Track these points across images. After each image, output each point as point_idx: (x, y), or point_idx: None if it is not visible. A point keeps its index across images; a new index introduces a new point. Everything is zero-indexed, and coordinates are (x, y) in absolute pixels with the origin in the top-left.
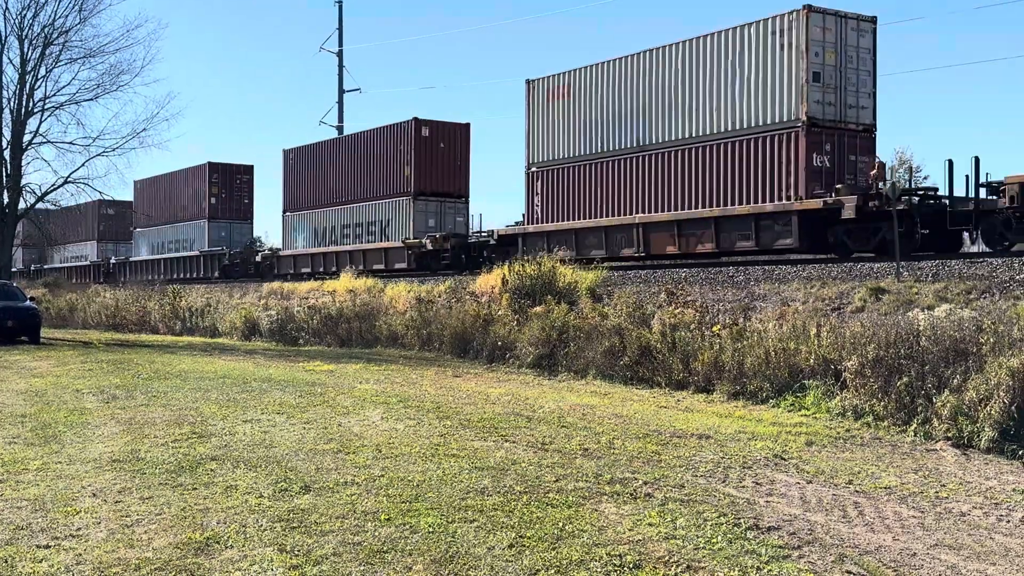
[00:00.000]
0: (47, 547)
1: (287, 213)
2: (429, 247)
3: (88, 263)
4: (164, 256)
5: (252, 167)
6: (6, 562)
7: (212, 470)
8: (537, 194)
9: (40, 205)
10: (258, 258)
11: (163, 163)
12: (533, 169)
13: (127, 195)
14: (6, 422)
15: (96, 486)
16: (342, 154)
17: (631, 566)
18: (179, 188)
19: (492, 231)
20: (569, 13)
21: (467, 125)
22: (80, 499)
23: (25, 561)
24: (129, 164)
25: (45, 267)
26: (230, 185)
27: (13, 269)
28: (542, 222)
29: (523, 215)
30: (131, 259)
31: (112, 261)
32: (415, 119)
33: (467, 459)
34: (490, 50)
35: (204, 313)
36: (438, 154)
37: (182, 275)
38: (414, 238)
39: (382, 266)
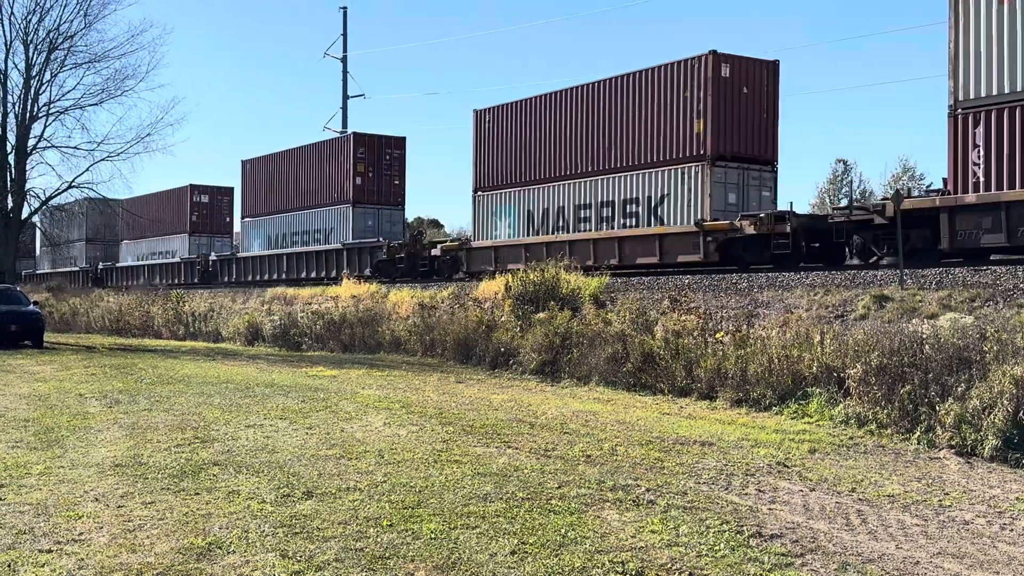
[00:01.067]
0: (49, 552)
1: (480, 193)
2: (749, 231)
3: (179, 260)
4: (285, 250)
5: (404, 139)
6: (8, 567)
7: (214, 475)
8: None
9: (126, 195)
10: (435, 251)
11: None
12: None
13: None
14: (9, 426)
15: (99, 491)
16: (567, 111)
17: (633, 573)
18: (308, 167)
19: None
20: (574, 19)
21: (776, 63)
22: (83, 504)
23: (27, 566)
24: (133, 168)
25: (117, 265)
26: (378, 163)
27: (78, 268)
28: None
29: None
30: (238, 255)
31: (212, 258)
32: (712, 53)
33: (470, 465)
34: (494, 56)
35: (207, 318)
36: (742, 103)
37: (313, 273)
38: (712, 219)
39: (654, 259)
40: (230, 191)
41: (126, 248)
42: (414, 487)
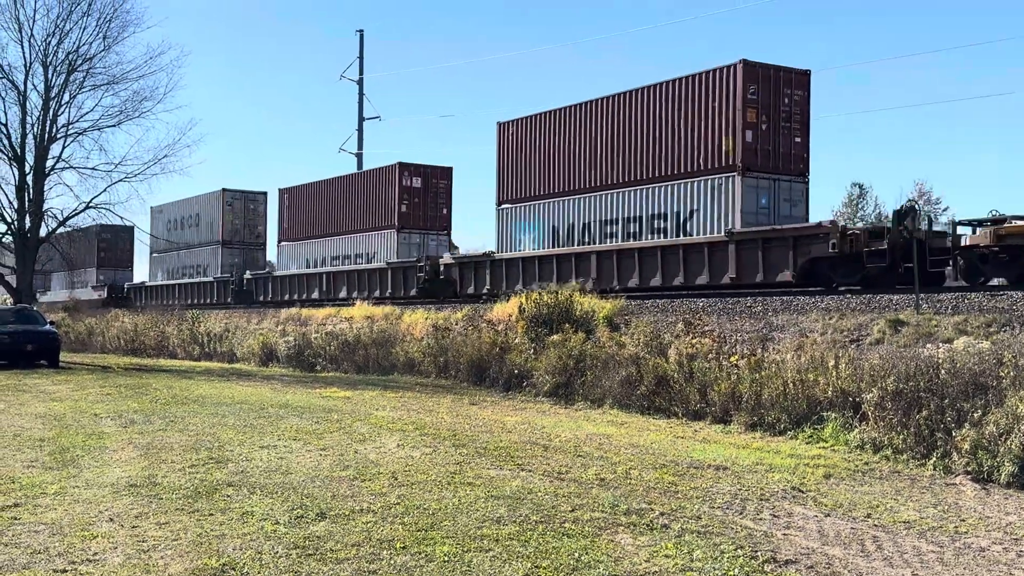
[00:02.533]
0: (64, 572)
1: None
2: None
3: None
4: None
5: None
6: None
7: (229, 496)
8: None
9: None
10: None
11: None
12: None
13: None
14: (25, 446)
15: (113, 511)
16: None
17: None
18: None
19: None
20: (589, 43)
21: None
22: (97, 524)
23: None
24: (150, 189)
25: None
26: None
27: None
28: None
29: None
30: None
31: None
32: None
33: (483, 488)
34: (509, 79)
35: (222, 338)
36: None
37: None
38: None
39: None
40: (448, 172)
41: (286, 252)
42: (427, 509)
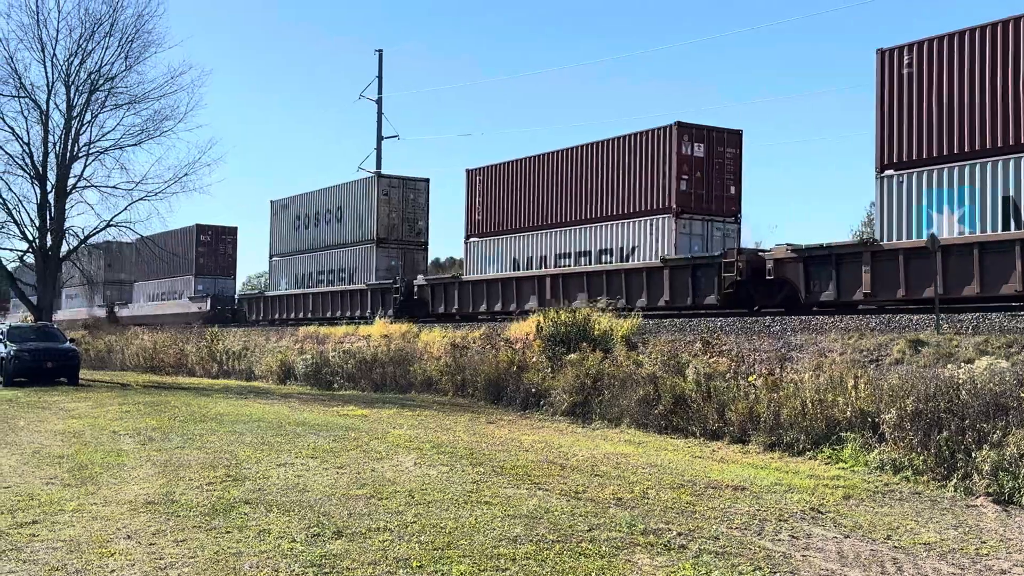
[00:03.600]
0: None
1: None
2: None
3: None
4: (312, 290)
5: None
6: None
7: (246, 514)
8: None
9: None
10: (417, 283)
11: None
12: None
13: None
14: (44, 463)
15: (131, 528)
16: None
17: None
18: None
19: None
20: (607, 64)
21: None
22: (115, 541)
23: None
24: (171, 208)
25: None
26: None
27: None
28: None
29: None
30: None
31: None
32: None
33: (500, 507)
34: (526, 98)
35: (241, 356)
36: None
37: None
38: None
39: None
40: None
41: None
42: (444, 528)
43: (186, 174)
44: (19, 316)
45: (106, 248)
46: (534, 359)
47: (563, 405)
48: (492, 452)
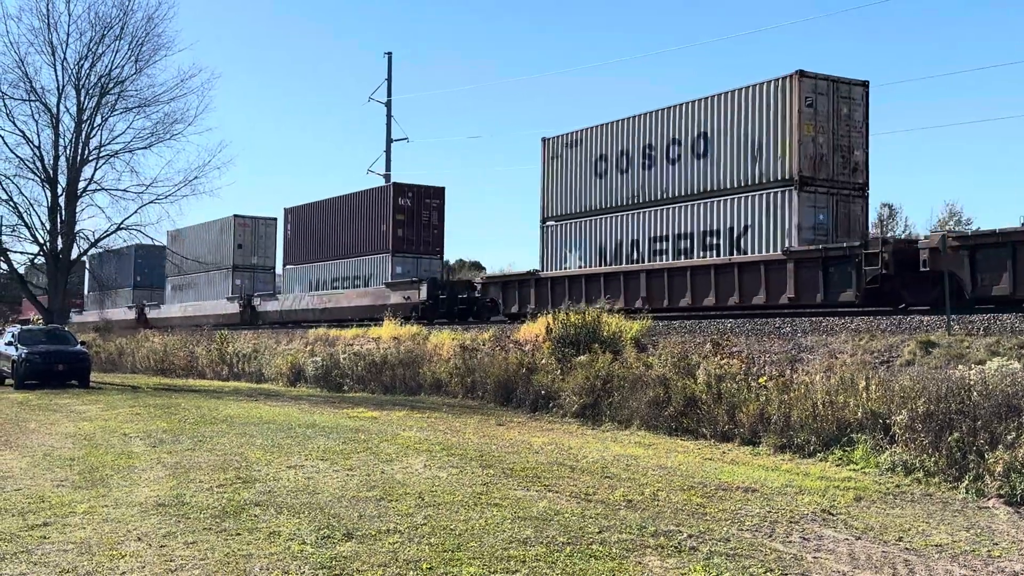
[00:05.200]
0: None
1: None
2: None
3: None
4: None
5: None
6: None
7: (256, 516)
8: None
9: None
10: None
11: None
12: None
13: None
14: (54, 465)
15: (141, 530)
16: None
17: None
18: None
19: None
20: (618, 65)
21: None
22: (125, 543)
23: None
24: (181, 211)
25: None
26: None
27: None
28: None
29: None
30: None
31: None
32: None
33: (510, 508)
34: (537, 100)
35: (251, 359)
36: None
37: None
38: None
39: None
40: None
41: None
42: (454, 530)
43: (196, 177)
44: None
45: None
46: (544, 361)
47: (573, 407)
48: (502, 454)
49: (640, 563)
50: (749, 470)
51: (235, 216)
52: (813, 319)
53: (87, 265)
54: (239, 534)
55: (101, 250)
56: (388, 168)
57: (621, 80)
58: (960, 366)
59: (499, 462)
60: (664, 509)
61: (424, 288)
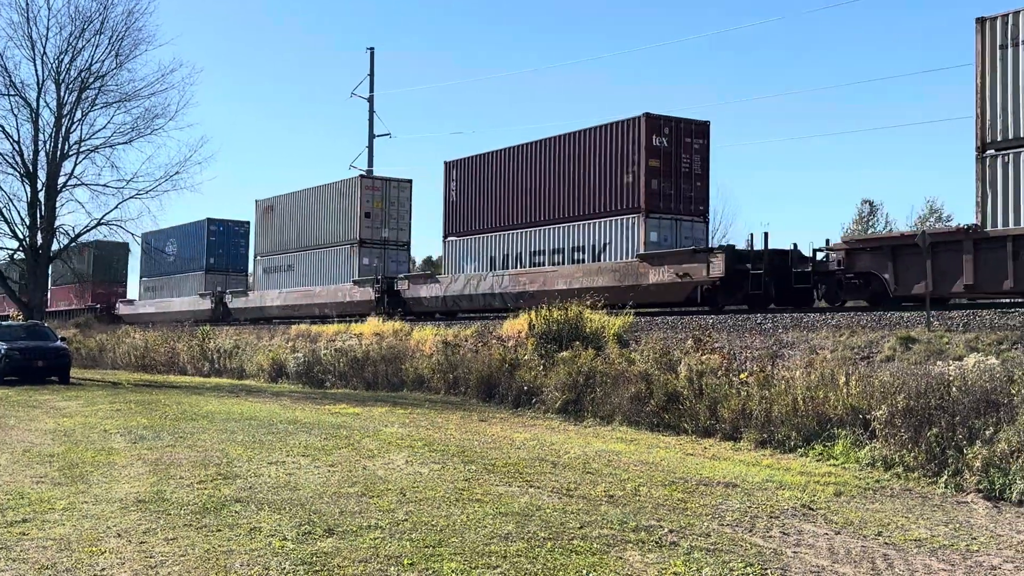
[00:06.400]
0: None
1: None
2: None
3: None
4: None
5: (411, 182)
6: None
7: (236, 512)
8: None
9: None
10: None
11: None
12: None
13: None
14: (34, 461)
15: (121, 526)
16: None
17: None
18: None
19: None
20: (597, 62)
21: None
22: (105, 539)
23: None
24: (161, 206)
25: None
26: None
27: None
28: None
29: None
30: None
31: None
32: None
33: (491, 504)
34: (519, 96)
35: (232, 355)
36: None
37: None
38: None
39: None
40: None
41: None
42: (435, 526)
43: (177, 172)
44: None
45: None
46: (526, 357)
47: (555, 403)
48: (484, 450)
49: (621, 558)
50: (730, 465)
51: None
52: (794, 315)
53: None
54: (219, 530)
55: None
56: (371, 164)
57: (596, 76)
58: (939, 362)
59: (481, 458)
60: (645, 504)
61: (720, 260)
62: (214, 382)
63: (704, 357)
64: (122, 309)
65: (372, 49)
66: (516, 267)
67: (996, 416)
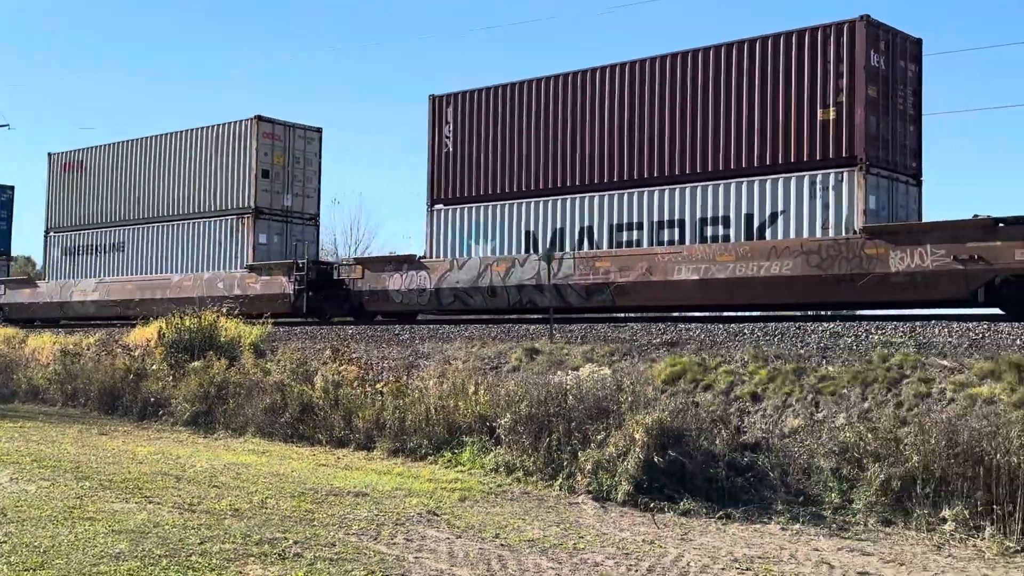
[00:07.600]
0: None
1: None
2: None
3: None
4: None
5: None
6: None
7: None
8: None
9: None
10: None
11: None
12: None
13: None
14: None
15: None
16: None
17: None
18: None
19: None
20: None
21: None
22: None
23: None
24: None
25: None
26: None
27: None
28: None
29: None
30: None
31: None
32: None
33: (104, 522)
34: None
35: None
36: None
37: None
38: None
39: None
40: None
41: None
42: (39, 547)
43: None
44: None
45: None
46: (155, 367)
47: (185, 415)
48: (101, 465)
49: (241, 572)
50: (362, 475)
51: None
52: (431, 326)
53: None
54: None
55: None
56: None
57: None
58: (559, 372)
59: (97, 473)
60: (272, 516)
61: None
62: None
63: (341, 368)
64: None
65: None
66: (583, 248)
67: (607, 422)
